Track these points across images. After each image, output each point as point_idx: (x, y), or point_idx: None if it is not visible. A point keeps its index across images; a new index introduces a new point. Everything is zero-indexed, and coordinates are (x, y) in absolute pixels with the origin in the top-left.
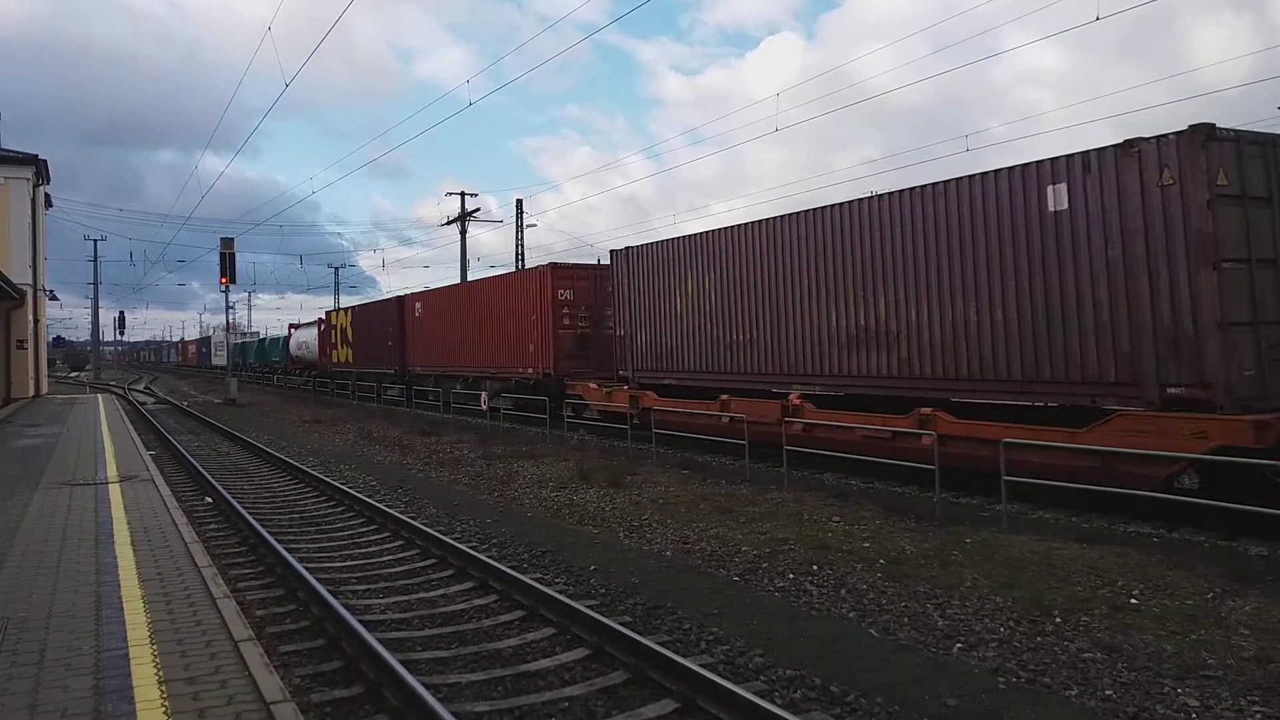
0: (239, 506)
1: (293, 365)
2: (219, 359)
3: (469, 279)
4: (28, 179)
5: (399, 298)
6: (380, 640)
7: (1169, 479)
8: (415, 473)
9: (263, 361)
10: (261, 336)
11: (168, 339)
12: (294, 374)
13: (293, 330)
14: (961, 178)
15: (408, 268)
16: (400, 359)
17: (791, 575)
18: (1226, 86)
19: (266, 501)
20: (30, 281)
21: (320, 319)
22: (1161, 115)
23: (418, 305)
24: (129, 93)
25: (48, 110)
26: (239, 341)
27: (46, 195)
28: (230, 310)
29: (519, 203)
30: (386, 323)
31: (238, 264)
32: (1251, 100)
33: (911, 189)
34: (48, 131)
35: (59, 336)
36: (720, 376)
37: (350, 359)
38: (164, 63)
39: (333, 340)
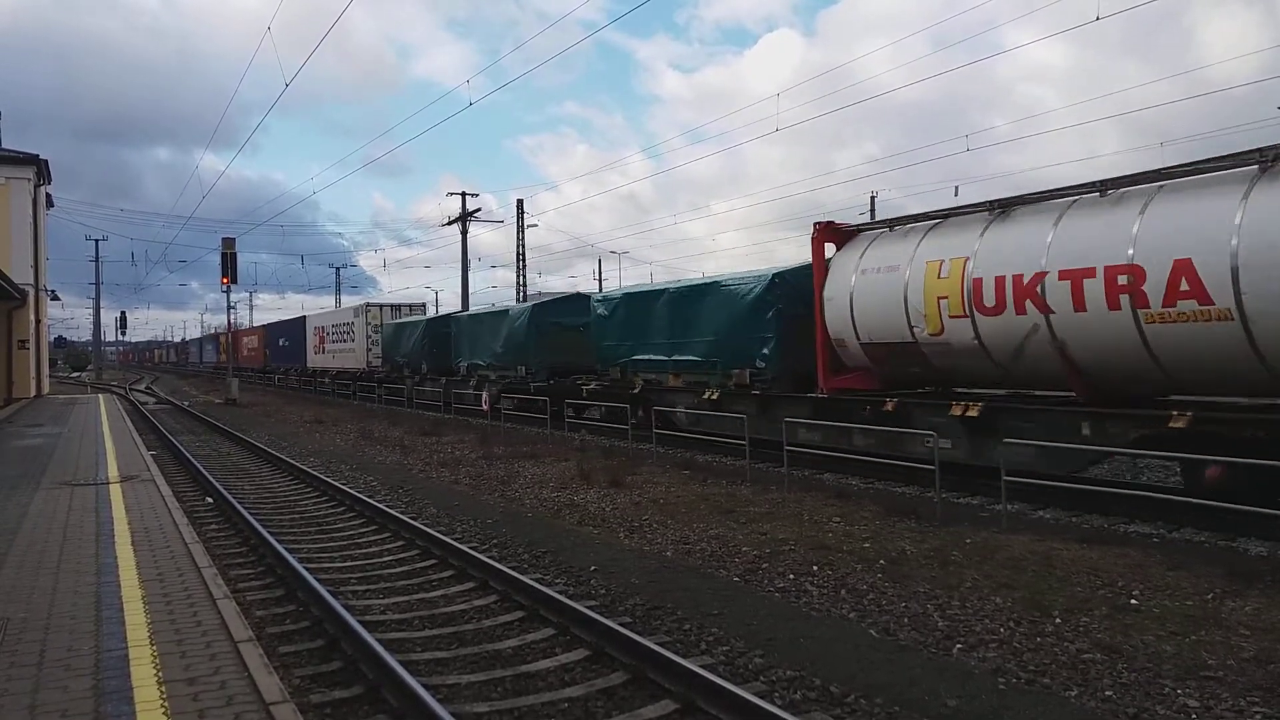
0: (239, 507)
1: (838, 385)
2: (326, 358)
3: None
4: (29, 179)
5: None
6: (380, 641)
7: None
8: (416, 473)
9: (555, 367)
10: (546, 298)
11: (194, 332)
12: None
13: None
14: None
15: (408, 268)
16: None
17: (791, 576)
18: (1236, 85)
19: (267, 502)
20: (32, 281)
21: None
22: (1168, 113)
23: None
24: (123, 87)
25: (40, 103)
26: (423, 317)
27: (48, 195)
28: (231, 310)
29: (519, 203)
30: None
31: (238, 264)
32: (1261, 98)
33: None
34: (41, 126)
35: (60, 337)
36: None
37: None
38: (158, 57)
39: None
